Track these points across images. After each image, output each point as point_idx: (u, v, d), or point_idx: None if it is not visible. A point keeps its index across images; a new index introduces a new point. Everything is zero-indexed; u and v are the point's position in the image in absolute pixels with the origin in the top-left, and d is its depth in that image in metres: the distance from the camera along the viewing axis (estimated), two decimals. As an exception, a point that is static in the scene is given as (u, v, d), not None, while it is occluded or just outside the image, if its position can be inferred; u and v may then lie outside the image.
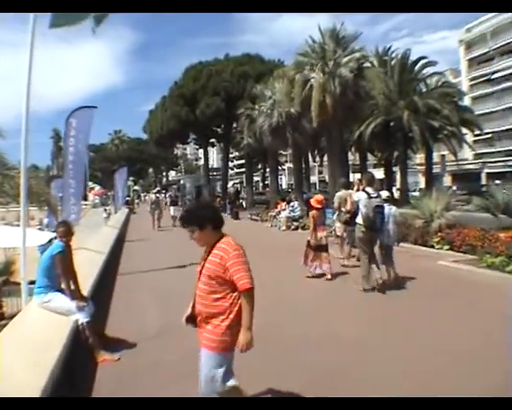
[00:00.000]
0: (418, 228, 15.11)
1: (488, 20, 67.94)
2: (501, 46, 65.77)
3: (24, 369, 4.29)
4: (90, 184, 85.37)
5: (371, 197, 8.93)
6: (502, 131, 61.89)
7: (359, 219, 9.11)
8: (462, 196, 27.12)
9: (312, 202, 11.02)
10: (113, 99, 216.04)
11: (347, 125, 24.91)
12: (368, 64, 21.85)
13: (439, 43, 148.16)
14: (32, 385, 3.88)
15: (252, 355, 3.65)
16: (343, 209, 11.90)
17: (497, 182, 43.82)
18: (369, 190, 9.09)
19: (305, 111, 23.14)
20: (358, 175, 28.33)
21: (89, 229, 23.76)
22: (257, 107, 32.70)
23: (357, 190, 10.07)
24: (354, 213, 9.92)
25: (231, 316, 3.48)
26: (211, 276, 3.47)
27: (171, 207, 26.51)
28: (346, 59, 21.30)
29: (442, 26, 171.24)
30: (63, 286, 6.03)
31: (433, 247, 14.28)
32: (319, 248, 10.52)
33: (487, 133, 44.56)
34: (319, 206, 10.69)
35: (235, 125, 44.16)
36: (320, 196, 11.41)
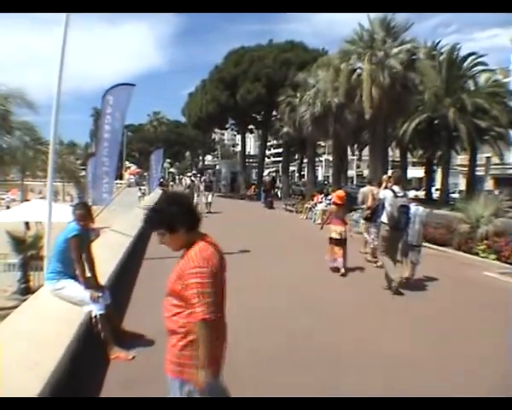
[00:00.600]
0: (462, 233, 14.23)
1: None
2: None
3: (21, 370, 3.70)
4: (127, 163, 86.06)
5: (397, 196, 8.75)
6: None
7: (384, 218, 8.90)
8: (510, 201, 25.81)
9: (334, 197, 11.42)
10: (154, 81, 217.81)
11: (392, 119, 23.80)
12: (419, 56, 20.64)
13: (489, 41, 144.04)
14: (28, 389, 3.34)
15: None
16: (365, 205, 12.46)
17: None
18: (395, 188, 8.91)
19: (349, 102, 22.23)
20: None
21: (121, 208, 23.49)
22: (298, 95, 31.93)
23: (385, 187, 9.79)
24: (375, 210, 10.47)
25: (190, 337, 2.69)
26: (171, 287, 2.77)
27: (206, 193, 24.88)
28: (396, 50, 20.29)
29: (492, 23, 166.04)
30: (77, 273, 5.45)
31: (477, 254, 13.36)
32: (335, 242, 10.58)
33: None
34: (340, 202, 10.82)
35: (274, 113, 43.54)
36: (342, 192, 11.63)
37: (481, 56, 39.30)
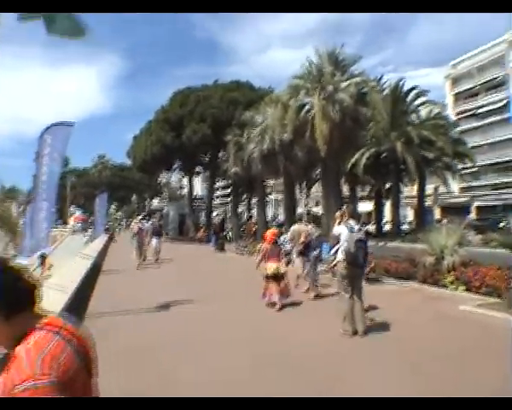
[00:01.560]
0: (428, 265, 13.69)
1: (474, 56, 70.66)
2: (486, 81, 68.08)
3: None
4: (72, 209, 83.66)
5: (353, 231, 8.43)
6: (488, 164, 61.96)
7: (340, 255, 8.47)
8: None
9: (268, 234, 11.76)
10: (99, 125, 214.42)
11: (344, 154, 23.39)
12: (368, 90, 20.34)
13: (423, 79, 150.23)
14: None
15: None
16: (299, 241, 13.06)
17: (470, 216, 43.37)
18: (350, 222, 8.68)
19: (298, 138, 21.73)
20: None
21: (62, 258, 22.00)
22: (246, 134, 31.38)
23: (339, 223, 9.47)
24: (307, 245, 12.52)
25: None
26: None
27: (154, 239, 22.19)
28: (345, 83, 19.97)
29: (425, 63, 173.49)
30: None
31: (445, 287, 12.76)
32: (270, 278, 10.91)
33: (473, 166, 44.11)
34: (273, 238, 11.42)
35: (221, 154, 43.03)
36: (275, 230, 12.53)
37: (424, 91, 40.13)
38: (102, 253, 23.69)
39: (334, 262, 8.64)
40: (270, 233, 11.84)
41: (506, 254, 13.99)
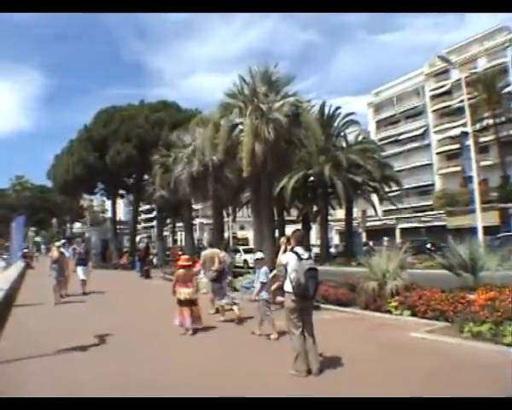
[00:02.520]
0: (369, 291, 13.20)
1: (395, 86, 74.95)
2: (406, 110, 72.91)
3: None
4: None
5: (302, 259, 7.52)
6: (409, 188, 64.35)
7: (288, 287, 7.55)
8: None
9: (180, 261, 12.05)
10: (18, 144, 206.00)
11: (277, 176, 22.60)
12: (302, 111, 19.84)
13: (345, 107, 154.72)
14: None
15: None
16: (212, 268, 13.13)
17: (386, 239, 44.45)
18: (298, 250, 7.74)
19: (229, 160, 20.83)
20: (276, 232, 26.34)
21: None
22: (173, 155, 30.23)
23: (285, 250, 8.88)
24: (221, 272, 13.01)
25: None
26: None
27: (79, 268, 19.33)
28: (279, 103, 19.36)
29: (345, 92, 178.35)
30: None
31: (390, 312, 12.31)
32: (182, 304, 11.11)
33: (396, 190, 45.30)
34: (186, 263, 11.74)
35: (146, 176, 41.77)
36: (186, 257, 12.85)
37: (351, 114, 40.57)
38: (17, 282, 21.73)
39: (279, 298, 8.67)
40: (182, 259, 12.15)
41: (444, 275, 13.86)
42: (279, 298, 10.98)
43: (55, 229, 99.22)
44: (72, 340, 9.73)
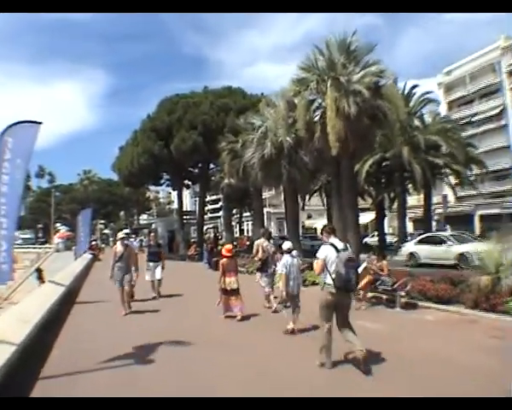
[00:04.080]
0: (482, 287, 11.09)
1: (466, 64, 69.56)
2: (480, 89, 66.76)
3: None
4: (58, 226, 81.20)
5: (339, 250, 7.39)
6: (484, 173, 60.08)
7: (328, 279, 7.38)
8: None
9: (223, 251, 12.17)
10: (86, 141, 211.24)
11: (358, 157, 20.34)
12: (384, 82, 17.71)
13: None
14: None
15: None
16: (255, 258, 13.69)
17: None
18: (334, 241, 7.64)
19: (306, 139, 18.88)
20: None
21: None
22: (241, 140, 28.66)
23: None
24: (265, 261, 13.01)
25: None
26: None
27: (151, 265, 15.51)
28: (359, 74, 17.36)
29: (411, 75, 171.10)
30: None
31: (507, 313, 10.27)
32: (228, 293, 11.45)
33: (475, 174, 41.81)
34: (229, 254, 11.75)
35: (212, 165, 40.53)
36: (230, 246, 12.56)
37: (428, 93, 37.75)
38: (82, 275, 20.63)
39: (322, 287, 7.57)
40: (225, 249, 12.11)
41: None
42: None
43: (123, 221, 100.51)
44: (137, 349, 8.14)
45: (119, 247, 12.80)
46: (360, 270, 13.73)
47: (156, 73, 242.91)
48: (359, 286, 13.12)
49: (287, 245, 10.79)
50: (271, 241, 14.09)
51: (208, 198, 66.20)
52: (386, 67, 17.77)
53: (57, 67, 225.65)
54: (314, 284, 16.79)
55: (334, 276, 7.25)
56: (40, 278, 23.45)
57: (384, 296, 13.37)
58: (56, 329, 9.73)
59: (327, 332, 7.45)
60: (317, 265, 7.97)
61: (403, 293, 12.63)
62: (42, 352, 7.81)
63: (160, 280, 15.47)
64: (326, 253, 7.51)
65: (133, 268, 12.86)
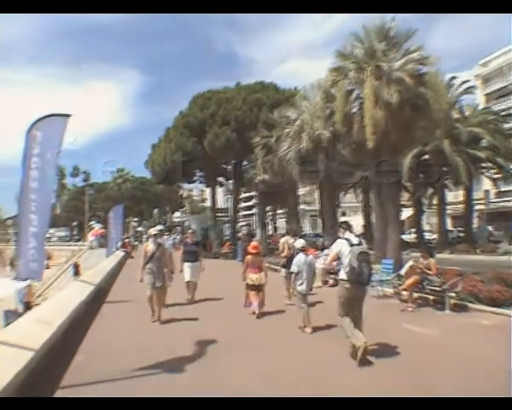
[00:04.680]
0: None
1: (504, 55, 65.96)
2: None
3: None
4: (92, 223, 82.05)
5: (352, 244, 7.63)
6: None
7: (342, 274, 7.71)
8: None
9: (249, 248, 12.14)
10: (120, 140, 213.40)
11: (400, 149, 19.20)
12: (427, 69, 16.69)
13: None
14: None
15: None
16: (282, 254, 14.27)
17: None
18: (348, 236, 7.90)
19: (346, 131, 17.92)
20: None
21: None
22: (275, 135, 27.92)
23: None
24: (290, 258, 11.96)
25: None
26: None
27: (187, 265, 13.59)
28: (400, 61, 16.41)
29: (444, 69, 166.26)
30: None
31: None
32: (252, 288, 11.53)
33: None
34: (254, 251, 11.77)
35: (245, 162, 39.89)
36: (256, 243, 12.51)
37: (466, 82, 36.37)
38: (113, 273, 20.14)
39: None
40: (250, 246, 12.13)
41: None
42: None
43: (157, 219, 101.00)
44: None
45: (150, 245, 11.18)
46: (404, 270, 12.97)
47: (188, 71, 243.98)
48: (404, 286, 12.37)
49: (300, 243, 10.57)
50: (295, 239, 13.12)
51: (242, 195, 65.80)
52: (428, 54, 16.66)
53: (91, 68, 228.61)
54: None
55: (347, 269, 7.51)
56: (77, 273, 23.59)
57: (431, 297, 12.43)
58: (82, 331, 9.12)
59: (349, 324, 7.54)
60: (329, 256, 8.46)
61: (453, 294, 11.72)
62: (64, 357, 7.21)
63: (195, 283, 13.68)
64: (340, 247, 7.82)
65: (166, 270, 11.31)
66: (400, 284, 12.95)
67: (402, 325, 9.92)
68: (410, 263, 13.12)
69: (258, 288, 11.41)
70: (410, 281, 12.20)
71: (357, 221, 38.04)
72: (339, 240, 7.98)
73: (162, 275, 11.03)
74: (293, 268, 9.91)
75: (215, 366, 7.00)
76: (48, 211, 9.83)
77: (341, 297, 7.70)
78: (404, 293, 12.40)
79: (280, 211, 64.25)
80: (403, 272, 13.12)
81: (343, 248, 7.69)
